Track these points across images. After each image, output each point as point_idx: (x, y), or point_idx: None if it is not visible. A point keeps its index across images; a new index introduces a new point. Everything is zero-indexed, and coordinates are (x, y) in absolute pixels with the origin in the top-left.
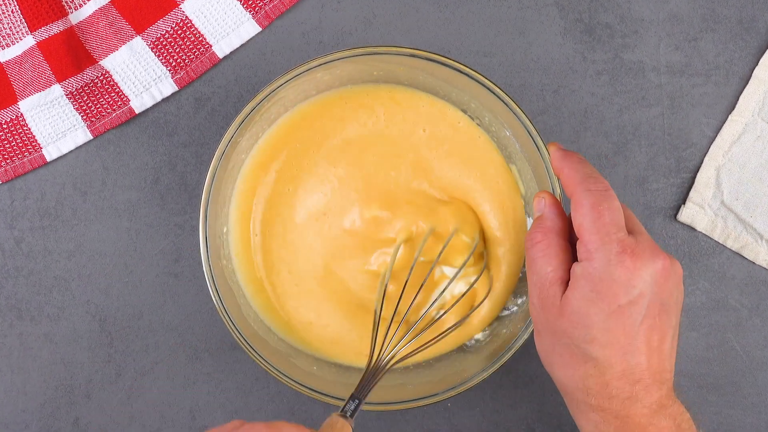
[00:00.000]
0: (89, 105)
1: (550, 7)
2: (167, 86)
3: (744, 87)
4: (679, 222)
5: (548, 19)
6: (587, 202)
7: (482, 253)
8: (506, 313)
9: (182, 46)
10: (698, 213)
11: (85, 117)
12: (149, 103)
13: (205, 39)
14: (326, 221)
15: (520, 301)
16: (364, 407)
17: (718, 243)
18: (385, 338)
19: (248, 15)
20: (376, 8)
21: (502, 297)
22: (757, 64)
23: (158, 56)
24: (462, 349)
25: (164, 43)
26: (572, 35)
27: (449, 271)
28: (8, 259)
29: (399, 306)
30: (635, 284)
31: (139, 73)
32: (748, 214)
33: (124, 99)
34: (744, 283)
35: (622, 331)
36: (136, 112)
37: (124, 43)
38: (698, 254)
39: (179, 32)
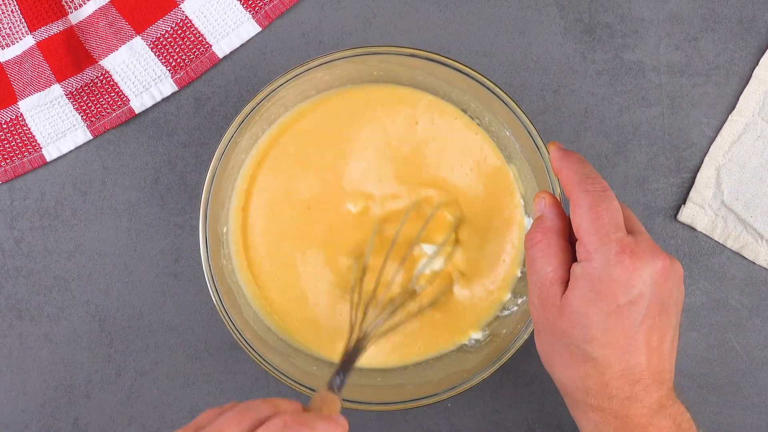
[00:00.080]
0: (89, 105)
1: (550, 7)
2: (167, 86)
3: (744, 87)
4: (679, 222)
5: (548, 19)
6: (585, 202)
7: (455, 238)
8: (506, 313)
9: (182, 46)
10: (698, 213)
11: (84, 117)
12: (149, 103)
13: (204, 39)
14: (321, 215)
15: (520, 300)
16: (365, 407)
17: (719, 243)
18: (366, 312)
19: (248, 15)
20: (376, 8)
21: (480, 273)
22: (757, 64)
23: (158, 56)
24: (462, 349)
25: (164, 43)
26: (572, 35)
27: (429, 249)
28: (8, 259)
29: (380, 279)
30: (635, 284)
31: (139, 73)
32: (748, 214)
33: (124, 99)
34: (744, 283)
35: (621, 331)
36: (136, 112)
37: (124, 42)
38: (698, 254)
39: (179, 32)
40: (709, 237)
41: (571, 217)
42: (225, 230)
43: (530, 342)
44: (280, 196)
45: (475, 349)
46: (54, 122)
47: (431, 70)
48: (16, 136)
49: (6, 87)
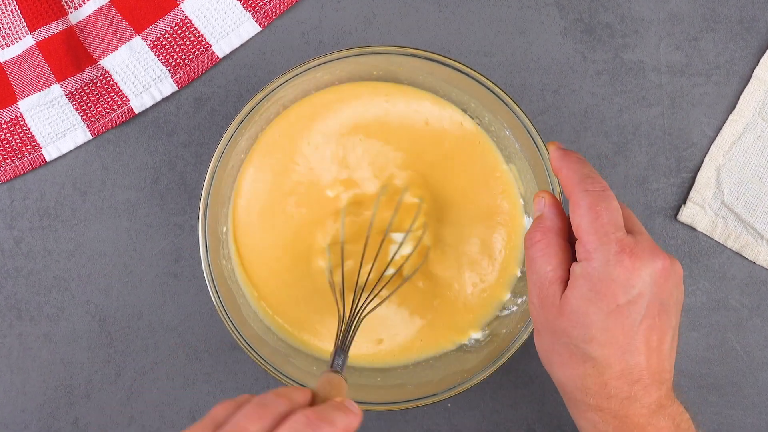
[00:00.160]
0: (89, 105)
1: (550, 7)
2: (167, 86)
3: (744, 87)
4: (679, 222)
5: (548, 18)
6: (585, 202)
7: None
8: (506, 312)
9: (182, 46)
10: (698, 213)
11: (84, 117)
12: (149, 103)
13: (204, 39)
14: (312, 213)
15: (519, 300)
16: (365, 407)
17: (719, 243)
18: (354, 293)
19: (248, 15)
20: (376, 8)
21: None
22: (757, 64)
23: (158, 56)
24: (462, 348)
25: (164, 42)
26: (572, 35)
27: (399, 237)
28: (8, 259)
29: (363, 260)
30: (634, 284)
31: (139, 73)
32: (748, 214)
33: (124, 99)
34: (744, 283)
35: (621, 330)
36: (136, 112)
37: (124, 42)
38: (698, 254)
39: (179, 32)
40: (709, 237)
41: (570, 216)
42: (224, 230)
43: (530, 342)
44: (279, 195)
45: (475, 349)
46: (54, 122)
47: (431, 70)
48: (15, 136)
49: (6, 87)
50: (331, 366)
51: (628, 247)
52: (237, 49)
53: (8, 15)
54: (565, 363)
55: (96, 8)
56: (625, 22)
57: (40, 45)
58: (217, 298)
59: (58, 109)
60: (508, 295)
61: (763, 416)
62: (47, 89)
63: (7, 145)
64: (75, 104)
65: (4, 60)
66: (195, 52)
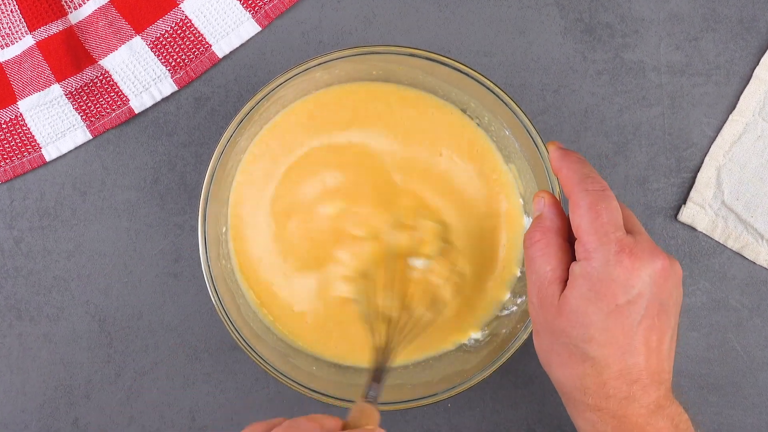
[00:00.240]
0: (89, 105)
1: (550, 7)
2: (167, 86)
3: (745, 87)
4: (679, 222)
5: (548, 18)
6: (584, 202)
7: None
8: (506, 312)
9: (182, 46)
10: (699, 213)
11: (84, 117)
12: (149, 103)
13: (204, 39)
14: (314, 216)
15: (519, 300)
16: None
17: (719, 243)
18: (389, 325)
19: (248, 14)
20: (376, 8)
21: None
22: (757, 64)
23: (158, 56)
24: (461, 349)
25: (164, 42)
26: (572, 35)
27: (419, 263)
28: (8, 259)
29: (392, 295)
30: (634, 284)
31: (139, 73)
32: (748, 214)
33: (124, 99)
34: (744, 284)
35: (620, 330)
36: (136, 111)
37: (124, 42)
38: (699, 254)
39: (179, 32)
40: (709, 237)
41: (570, 216)
42: (224, 230)
43: (530, 342)
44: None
45: (475, 349)
46: (53, 122)
47: (431, 69)
48: (15, 136)
49: (5, 87)
50: (366, 396)
51: (627, 247)
52: (237, 49)
53: (8, 15)
54: (564, 363)
55: (96, 8)
56: (625, 22)
57: (40, 45)
58: (216, 299)
59: (57, 109)
60: (507, 295)
61: (763, 416)
62: (47, 89)
63: (6, 145)
64: (75, 104)
65: (3, 60)
66: (195, 52)
